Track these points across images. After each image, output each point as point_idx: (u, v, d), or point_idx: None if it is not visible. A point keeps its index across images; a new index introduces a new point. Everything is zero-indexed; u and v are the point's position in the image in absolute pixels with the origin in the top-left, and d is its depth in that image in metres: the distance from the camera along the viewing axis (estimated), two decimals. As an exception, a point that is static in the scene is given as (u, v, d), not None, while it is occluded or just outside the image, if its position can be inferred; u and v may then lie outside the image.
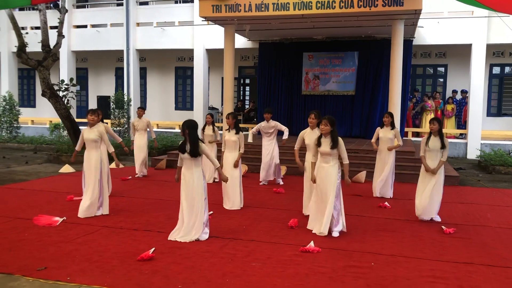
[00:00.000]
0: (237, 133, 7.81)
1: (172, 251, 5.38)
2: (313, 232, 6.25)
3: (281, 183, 9.98)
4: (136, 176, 10.75)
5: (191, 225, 5.84)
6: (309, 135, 7.20)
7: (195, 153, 5.77)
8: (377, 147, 8.89)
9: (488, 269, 5.02)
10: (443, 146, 6.93)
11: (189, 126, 5.83)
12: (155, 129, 18.18)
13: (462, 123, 16.26)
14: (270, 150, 9.91)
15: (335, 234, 6.14)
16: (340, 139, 6.18)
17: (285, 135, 9.75)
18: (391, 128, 8.74)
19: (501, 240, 6.15)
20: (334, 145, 6.09)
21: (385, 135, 8.75)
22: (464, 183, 10.55)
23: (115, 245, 5.60)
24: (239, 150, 7.77)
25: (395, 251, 5.55)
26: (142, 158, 10.73)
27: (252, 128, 17.49)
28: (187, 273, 4.70)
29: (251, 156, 11.58)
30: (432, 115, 15.95)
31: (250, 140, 9.81)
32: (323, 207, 6.17)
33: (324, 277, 4.68)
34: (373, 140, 8.96)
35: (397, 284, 4.55)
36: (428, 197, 6.93)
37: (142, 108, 11.18)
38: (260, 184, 10.01)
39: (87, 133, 7.21)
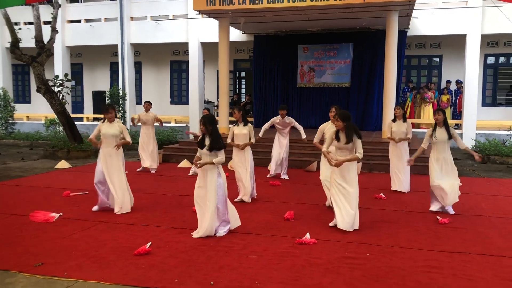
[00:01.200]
0: (245, 125, 7.82)
1: (169, 245, 5.40)
2: (338, 227, 6.04)
3: (287, 177, 9.95)
4: (151, 171, 10.68)
5: (208, 222, 5.73)
6: (330, 129, 7.00)
7: (214, 147, 5.66)
8: (396, 139, 8.57)
9: (482, 258, 5.06)
10: (450, 137, 6.96)
11: (208, 121, 5.74)
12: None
13: (457, 113, 16.29)
14: (284, 145, 9.89)
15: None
16: (356, 130, 6.00)
17: (303, 134, 9.69)
18: (404, 121, 8.59)
19: (496, 229, 6.20)
20: (349, 140, 5.91)
21: (398, 128, 8.54)
22: (459, 173, 10.42)
23: (111, 240, 5.62)
24: (250, 140, 7.78)
25: (390, 242, 5.59)
26: (150, 151, 10.71)
27: (249, 121, 17.56)
28: (184, 267, 4.73)
29: (261, 150, 11.42)
30: (430, 107, 15.99)
31: (261, 134, 9.80)
32: (347, 203, 6.03)
33: (320, 269, 4.71)
34: (388, 135, 8.71)
35: (393, 274, 4.59)
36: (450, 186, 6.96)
37: (149, 102, 11.07)
38: (268, 176, 10.03)
39: (107, 128, 7.04)
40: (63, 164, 11.47)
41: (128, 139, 7.18)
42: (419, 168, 10.40)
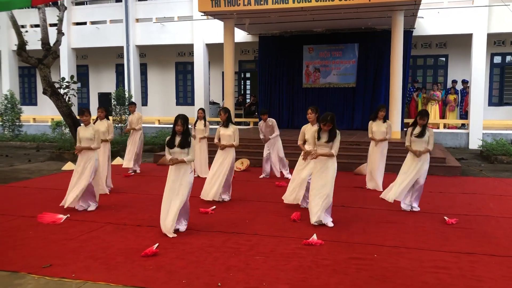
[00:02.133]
0: (228, 127, 7.89)
1: (176, 247, 5.41)
2: (311, 223, 6.31)
3: (290, 176, 9.96)
4: (130, 172, 10.72)
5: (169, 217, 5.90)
6: (309, 130, 7.16)
7: (185, 144, 5.89)
8: (376, 140, 8.76)
9: (490, 258, 5.04)
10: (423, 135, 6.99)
11: (186, 120, 5.97)
12: (156, 124, 18.23)
13: (463, 113, 16.22)
14: (272, 145, 10.03)
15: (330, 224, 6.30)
16: (338, 134, 6.27)
17: (272, 136, 9.98)
18: (384, 121, 8.74)
19: (503, 229, 6.17)
20: (330, 139, 6.21)
21: (378, 129, 8.72)
22: (466, 174, 10.55)
23: (119, 241, 5.64)
24: (234, 142, 7.86)
25: (397, 243, 5.58)
26: (132, 153, 10.71)
27: (254, 122, 17.58)
28: (191, 268, 4.74)
29: (253, 151, 11.59)
30: (437, 106, 15.93)
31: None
32: (318, 198, 6.25)
33: (327, 270, 4.71)
34: (370, 135, 8.86)
35: (400, 275, 4.58)
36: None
37: (133, 104, 11.19)
38: (260, 177, 10.10)
39: (83, 131, 7.32)
40: (70, 166, 11.50)
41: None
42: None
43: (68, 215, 6.77)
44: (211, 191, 7.68)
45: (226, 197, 7.88)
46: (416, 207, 7.17)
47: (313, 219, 6.27)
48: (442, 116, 16.25)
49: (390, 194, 7.18)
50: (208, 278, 4.48)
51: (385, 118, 8.83)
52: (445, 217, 6.61)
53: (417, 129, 7.05)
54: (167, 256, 5.08)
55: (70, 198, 7.13)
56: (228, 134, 7.83)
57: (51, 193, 8.56)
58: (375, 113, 8.81)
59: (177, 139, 5.96)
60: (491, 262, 4.93)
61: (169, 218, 5.85)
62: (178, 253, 5.19)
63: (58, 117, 16.65)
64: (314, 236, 5.65)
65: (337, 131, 6.27)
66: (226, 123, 7.92)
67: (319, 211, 6.24)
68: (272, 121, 10.05)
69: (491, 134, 14.88)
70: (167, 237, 5.78)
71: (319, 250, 5.32)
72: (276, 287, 4.30)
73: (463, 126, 15.99)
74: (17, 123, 18.44)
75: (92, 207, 7.24)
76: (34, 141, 16.55)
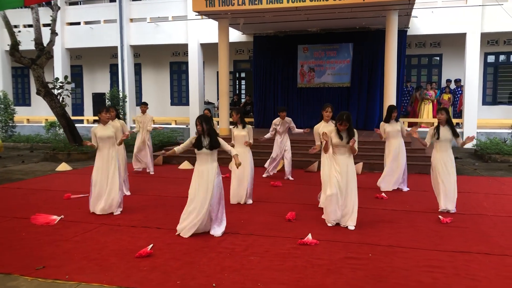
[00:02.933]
0: (244, 127, 7.87)
1: (171, 247, 5.39)
2: (342, 225, 6.23)
3: (291, 178, 9.94)
4: (150, 172, 10.76)
5: (203, 220, 5.82)
6: (324, 128, 7.14)
7: (214, 146, 5.79)
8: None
9: (485, 257, 5.05)
10: (455, 134, 6.99)
11: (205, 120, 5.82)
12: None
13: (457, 112, 16.29)
14: (284, 145, 9.93)
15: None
16: (355, 131, 6.21)
17: (296, 131, 9.80)
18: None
19: (498, 228, 6.19)
20: (350, 138, 6.11)
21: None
22: (460, 173, 10.55)
23: (113, 242, 5.61)
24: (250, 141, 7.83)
25: (392, 242, 5.58)
26: (148, 155, 10.77)
27: (248, 122, 17.54)
28: (186, 269, 4.72)
29: (260, 151, 11.40)
30: (431, 105, 15.99)
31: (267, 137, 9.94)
32: (348, 200, 6.19)
33: (322, 269, 4.70)
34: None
35: (395, 274, 4.58)
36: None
37: (145, 104, 11.09)
38: (264, 176, 10.12)
39: (102, 130, 7.06)
40: (63, 167, 11.46)
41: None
42: (420, 167, 10.40)
43: (62, 216, 6.73)
44: (239, 194, 7.64)
45: (250, 200, 7.76)
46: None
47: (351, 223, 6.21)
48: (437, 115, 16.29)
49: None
50: (203, 279, 4.46)
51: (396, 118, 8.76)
52: (440, 216, 6.63)
53: (444, 129, 7.01)
54: (162, 257, 5.05)
55: (113, 204, 6.94)
56: (243, 135, 7.80)
57: (45, 194, 8.51)
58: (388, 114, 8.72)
59: (204, 141, 5.82)
60: (486, 261, 4.95)
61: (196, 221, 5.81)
62: (173, 254, 5.16)
63: (52, 117, 16.58)
64: (309, 236, 5.64)
65: (355, 130, 6.20)
66: (241, 124, 7.88)
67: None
68: (289, 119, 9.87)
69: (485, 133, 14.94)
70: (161, 237, 5.75)
71: (314, 250, 5.31)
72: (271, 287, 4.29)
73: (457, 125, 16.04)
74: (10, 124, 18.33)
75: (118, 210, 7.06)
76: (28, 142, 16.45)
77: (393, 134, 8.64)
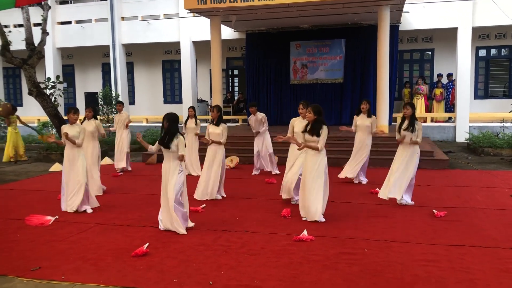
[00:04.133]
0: (218, 125, 7.88)
1: (166, 246, 5.39)
2: (303, 219, 6.34)
3: (278, 172, 10.01)
4: (118, 172, 10.74)
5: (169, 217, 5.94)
6: (298, 123, 7.30)
7: (168, 144, 5.86)
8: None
9: (479, 250, 5.09)
10: (413, 130, 7.02)
11: (170, 119, 5.92)
12: (144, 123, 18.12)
13: (450, 106, 16.36)
14: (261, 141, 10.10)
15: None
16: (325, 127, 6.25)
17: (262, 129, 10.09)
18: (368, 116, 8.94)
19: (491, 221, 6.24)
20: (316, 132, 6.23)
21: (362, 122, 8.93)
22: (454, 166, 10.66)
23: (109, 242, 5.60)
24: (221, 140, 7.85)
25: (387, 236, 5.61)
26: (123, 152, 10.87)
27: (242, 119, 17.57)
28: (182, 267, 4.72)
29: (242, 148, 11.58)
30: (423, 100, 16.07)
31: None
32: (310, 194, 6.27)
33: (318, 265, 4.72)
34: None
35: (391, 269, 4.61)
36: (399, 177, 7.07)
37: (120, 103, 11.27)
38: (252, 174, 10.10)
39: (68, 129, 7.23)
40: (57, 167, 11.39)
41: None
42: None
43: (57, 217, 6.70)
44: (206, 191, 7.71)
45: (219, 196, 7.86)
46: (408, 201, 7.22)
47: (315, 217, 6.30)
48: (429, 110, 16.39)
49: (386, 192, 7.20)
50: (199, 277, 4.47)
51: (370, 112, 8.97)
52: (434, 210, 6.66)
53: (406, 122, 7.11)
54: (158, 256, 5.05)
55: (75, 202, 7.03)
56: (217, 133, 7.82)
57: (39, 195, 8.47)
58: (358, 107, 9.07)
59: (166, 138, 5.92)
60: (480, 253, 4.99)
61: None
62: (169, 252, 5.16)
63: (45, 117, 16.45)
64: (305, 232, 5.66)
65: (324, 126, 6.26)
66: (217, 121, 7.90)
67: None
68: (262, 115, 10.09)
69: (478, 127, 15.03)
70: (157, 236, 5.75)
71: (310, 246, 5.33)
72: (267, 284, 4.30)
73: (449, 119, 16.14)
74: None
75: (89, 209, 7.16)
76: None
77: (361, 128, 8.86)
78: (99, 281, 4.40)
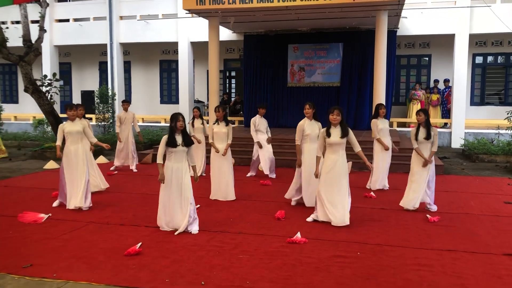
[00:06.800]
0: (227, 125, 7.89)
1: (159, 245, 5.37)
2: (332, 224, 6.18)
3: (274, 176, 9.95)
4: (112, 170, 10.71)
5: (179, 217, 5.90)
6: (309, 125, 7.21)
7: (190, 142, 5.87)
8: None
9: (471, 255, 5.11)
10: (429, 137, 7.00)
11: (183, 118, 5.92)
12: (140, 123, 18.07)
13: (446, 111, 16.43)
14: (269, 145, 9.89)
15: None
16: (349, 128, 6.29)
17: (269, 134, 9.90)
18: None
19: (484, 227, 6.26)
20: (345, 133, 6.22)
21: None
22: (448, 172, 10.69)
23: (101, 240, 5.58)
24: (227, 141, 7.85)
25: (381, 240, 5.62)
26: (132, 150, 10.86)
27: (238, 120, 17.57)
28: (175, 267, 4.71)
29: (238, 149, 11.55)
30: (419, 105, 16.12)
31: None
32: (339, 198, 6.23)
33: (311, 268, 4.72)
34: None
35: (383, 272, 4.61)
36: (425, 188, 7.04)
37: (127, 101, 11.15)
38: (247, 176, 10.09)
39: (70, 126, 7.19)
40: (51, 165, 11.36)
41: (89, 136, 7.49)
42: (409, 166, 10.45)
43: (50, 214, 6.68)
44: (225, 192, 7.72)
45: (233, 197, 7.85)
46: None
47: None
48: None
49: (410, 202, 7.13)
50: (191, 277, 4.46)
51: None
52: (428, 215, 6.68)
53: (423, 131, 7.04)
54: (150, 255, 5.04)
55: (79, 199, 7.01)
56: (224, 132, 7.82)
57: (32, 192, 8.43)
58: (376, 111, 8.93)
59: (178, 138, 5.86)
60: (473, 259, 5.00)
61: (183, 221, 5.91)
62: (162, 252, 5.15)
63: (40, 115, 16.43)
64: (298, 234, 5.66)
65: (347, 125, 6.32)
66: (223, 121, 7.88)
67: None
68: (264, 119, 9.92)
69: (473, 133, 15.09)
70: (150, 236, 5.74)
71: (303, 248, 5.33)
72: (260, 285, 4.30)
73: (445, 125, 16.19)
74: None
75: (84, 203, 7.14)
76: (15, 140, 16.25)
77: (385, 131, 8.75)
78: (91, 280, 4.39)
